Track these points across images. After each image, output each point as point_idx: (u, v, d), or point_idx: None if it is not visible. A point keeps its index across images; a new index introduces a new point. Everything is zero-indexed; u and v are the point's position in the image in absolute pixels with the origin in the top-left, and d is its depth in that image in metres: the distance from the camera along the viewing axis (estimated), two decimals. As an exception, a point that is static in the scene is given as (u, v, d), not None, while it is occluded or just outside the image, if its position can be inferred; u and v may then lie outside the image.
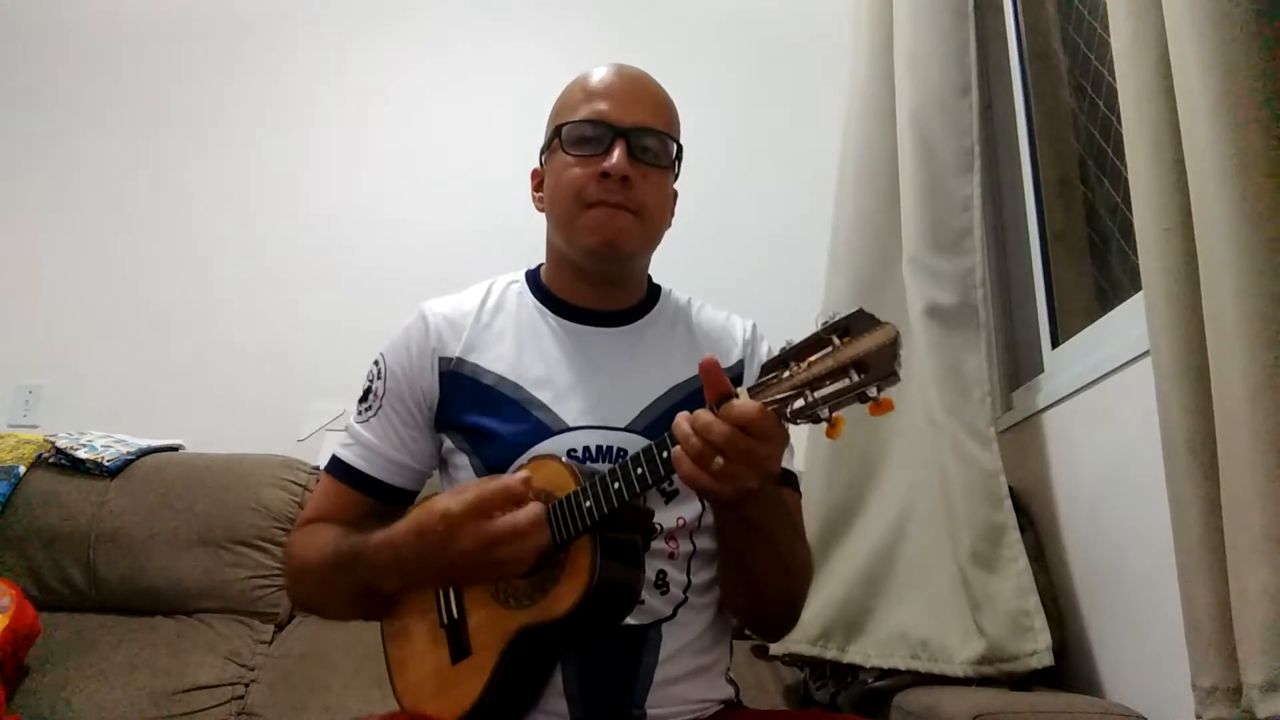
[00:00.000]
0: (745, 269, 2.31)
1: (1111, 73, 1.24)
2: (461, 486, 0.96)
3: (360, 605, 1.09)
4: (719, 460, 0.83)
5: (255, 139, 2.59)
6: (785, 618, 1.14)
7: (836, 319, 0.77)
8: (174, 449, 2.18)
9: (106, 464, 2.01)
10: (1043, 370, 1.75)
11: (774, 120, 2.51)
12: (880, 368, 0.74)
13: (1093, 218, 1.70)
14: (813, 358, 0.79)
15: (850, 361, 0.76)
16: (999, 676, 1.36)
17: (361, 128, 2.60)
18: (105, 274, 2.49)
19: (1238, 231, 0.79)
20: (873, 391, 0.75)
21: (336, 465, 1.15)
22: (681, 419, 0.85)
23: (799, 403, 0.79)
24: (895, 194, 1.71)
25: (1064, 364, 1.64)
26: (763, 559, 1.01)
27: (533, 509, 0.90)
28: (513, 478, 0.92)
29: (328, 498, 1.15)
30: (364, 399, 1.17)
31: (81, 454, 2.02)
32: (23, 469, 2.02)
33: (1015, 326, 1.89)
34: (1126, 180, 1.05)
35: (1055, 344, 1.73)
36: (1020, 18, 1.92)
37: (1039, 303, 1.80)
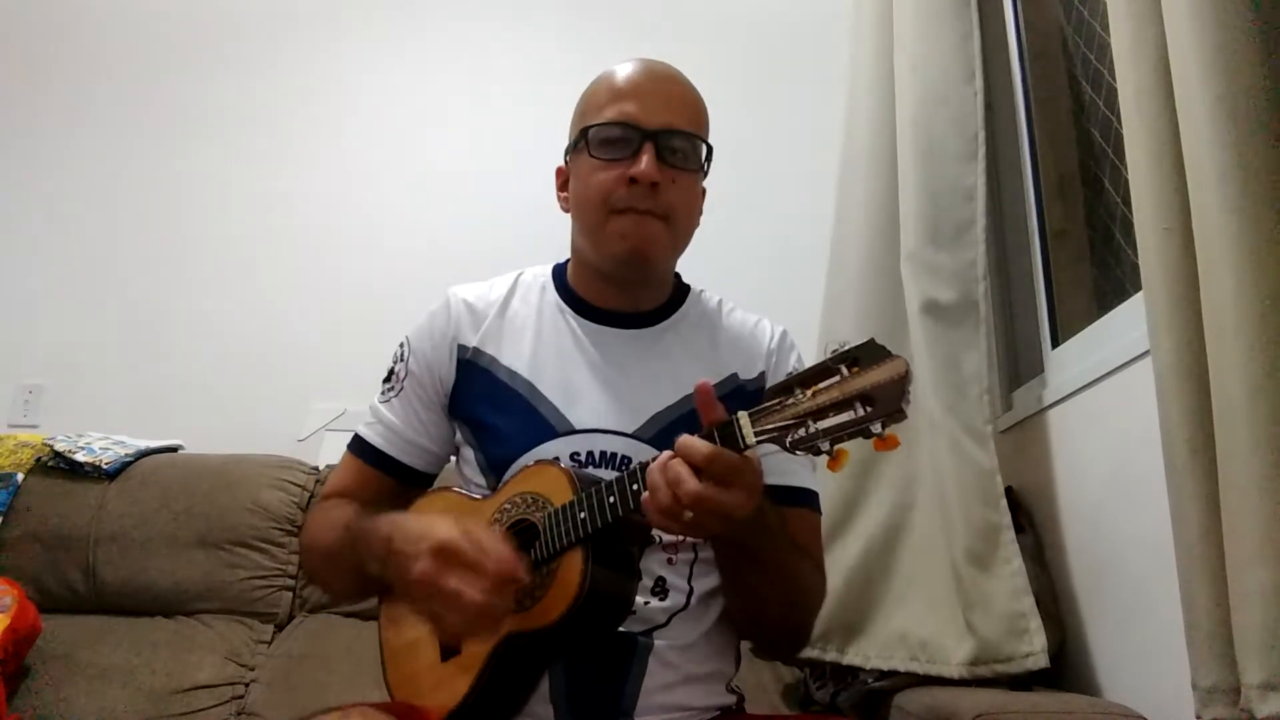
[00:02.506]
0: (746, 269, 2.31)
1: (1111, 73, 1.24)
2: (471, 527, 0.90)
3: (355, 585, 1.07)
4: (689, 513, 0.81)
5: (255, 138, 2.59)
6: (789, 639, 1.12)
7: (846, 348, 0.76)
8: (173, 449, 2.18)
9: (105, 467, 2.01)
10: (1043, 370, 1.75)
11: (775, 119, 2.51)
12: (887, 403, 0.73)
13: (1093, 217, 1.70)
14: (819, 386, 0.77)
15: (857, 394, 0.74)
16: (995, 678, 1.35)
17: (363, 127, 2.60)
18: (105, 274, 2.49)
19: (1237, 231, 0.79)
20: (877, 427, 0.74)
21: (358, 443, 1.16)
22: (655, 469, 0.83)
23: (800, 432, 0.77)
24: (895, 190, 1.71)
25: (1064, 364, 1.64)
26: (758, 580, 0.99)
27: (494, 602, 0.84)
28: (509, 559, 0.86)
29: (349, 474, 1.16)
30: (387, 379, 1.17)
31: (80, 457, 2.02)
32: (20, 476, 2.02)
33: (1016, 326, 1.88)
34: (1126, 180, 1.05)
35: (1055, 344, 1.73)
36: (1020, 17, 1.92)
37: (1039, 302, 1.80)
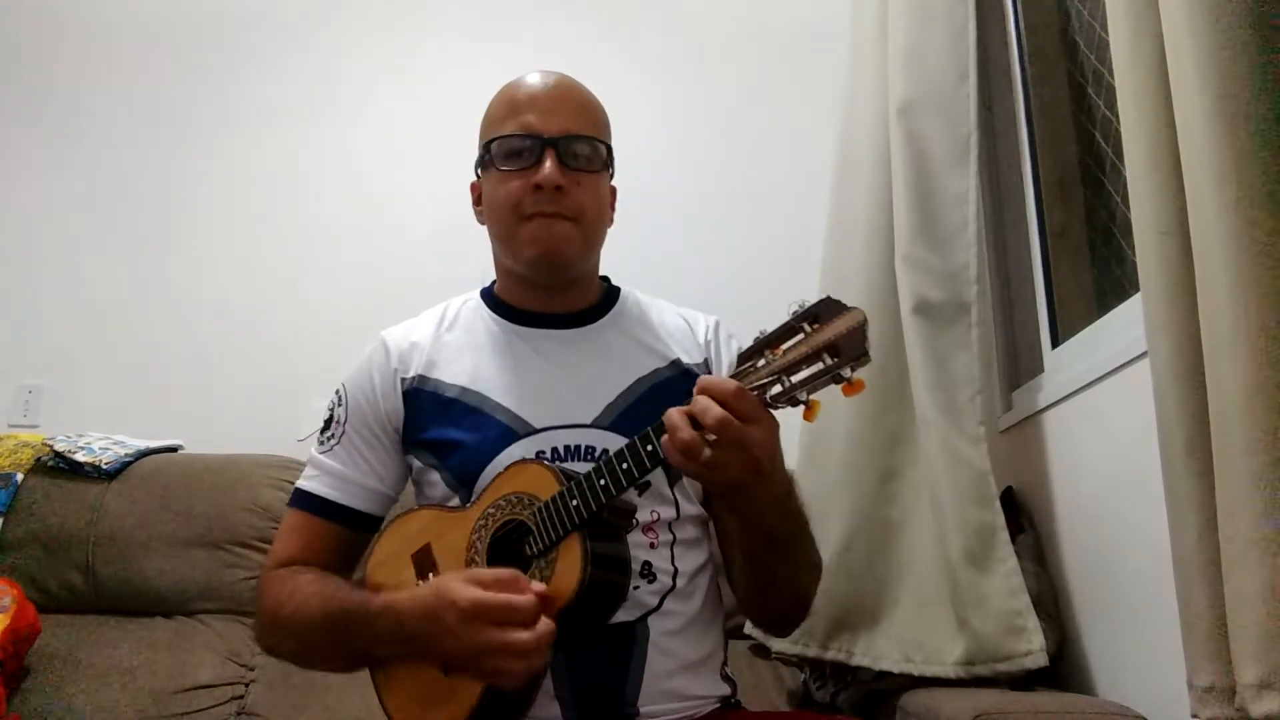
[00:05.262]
0: (743, 269, 2.30)
1: (1111, 73, 1.24)
2: (477, 574, 0.93)
3: (350, 663, 1.08)
4: (707, 452, 0.84)
5: (254, 138, 2.59)
6: (799, 611, 1.15)
7: (806, 307, 0.82)
8: (173, 449, 2.18)
9: (105, 467, 2.01)
10: (1043, 370, 1.75)
11: (770, 119, 2.49)
12: (851, 349, 0.79)
13: (1092, 217, 1.70)
14: (786, 345, 0.83)
15: (823, 346, 0.80)
16: (992, 677, 1.35)
17: (361, 127, 2.59)
18: (105, 274, 2.49)
19: (1234, 234, 0.79)
20: (846, 372, 0.80)
21: (304, 498, 1.15)
22: (675, 410, 0.87)
23: (777, 388, 0.84)
24: (888, 191, 1.70)
25: (1064, 364, 1.64)
26: (783, 565, 1.03)
27: (539, 632, 0.88)
28: (528, 595, 0.89)
29: (298, 535, 1.14)
30: (326, 428, 1.18)
31: (80, 457, 2.02)
32: (20, 476, 2.02)
33: (1015, 326, 1.88)
34: (1126, 180, 1.05)
35: (1055, 344, 1.73)
36: (1020, 17, 1.92)
37: (1039, 302, 1.80)
